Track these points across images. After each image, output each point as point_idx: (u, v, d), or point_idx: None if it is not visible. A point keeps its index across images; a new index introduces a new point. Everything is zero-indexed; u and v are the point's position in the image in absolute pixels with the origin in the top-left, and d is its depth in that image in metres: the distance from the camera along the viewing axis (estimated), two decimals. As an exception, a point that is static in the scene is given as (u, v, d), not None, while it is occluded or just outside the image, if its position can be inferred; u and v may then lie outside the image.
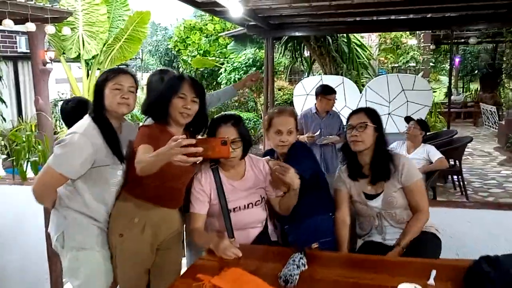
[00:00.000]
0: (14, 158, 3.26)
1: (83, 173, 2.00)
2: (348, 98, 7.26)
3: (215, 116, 2.18)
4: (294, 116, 2.41)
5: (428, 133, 5.00)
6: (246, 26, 6.96)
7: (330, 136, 4.50)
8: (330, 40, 7.79)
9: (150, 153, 1.76)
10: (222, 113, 2.26)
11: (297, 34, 7.15)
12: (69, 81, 9.09)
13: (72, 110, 2.53)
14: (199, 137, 1.86)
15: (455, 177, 6.31)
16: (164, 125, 2.05)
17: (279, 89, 9.82)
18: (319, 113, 4.68)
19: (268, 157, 2.44)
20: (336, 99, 4.69)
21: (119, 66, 2.49)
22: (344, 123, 4.74)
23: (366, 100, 7.20)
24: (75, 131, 2.00)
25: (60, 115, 3.00)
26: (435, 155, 4.42)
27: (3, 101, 7.83)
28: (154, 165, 1.70)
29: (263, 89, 7.73)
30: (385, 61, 12.61)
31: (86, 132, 1.98)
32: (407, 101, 7.11)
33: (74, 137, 1.96)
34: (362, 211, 2.37)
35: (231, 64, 9.57)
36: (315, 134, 4.50)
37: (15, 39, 9.51)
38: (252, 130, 8.90)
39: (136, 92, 2.15)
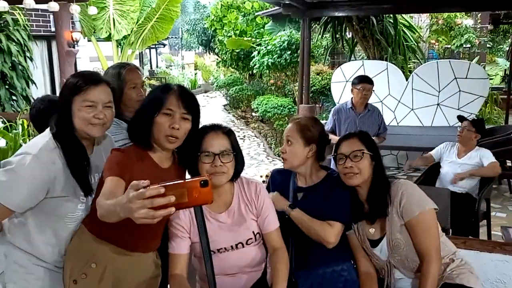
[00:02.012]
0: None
1: (33, 206, 1.58)
2: (392, 86, 6.61)
3: (202, 125, 1.71)
4: (299, 124, 1.92)
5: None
6: (281, 5, 6.44)
7: None
8: (375, 21, 7.05)
9: (113, 195, 1.32)
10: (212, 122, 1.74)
11: (337, 14, 6.49)
12: (99, 59, 8.87)
13: (41, 113, 2.05)
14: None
15: (512, 180, 5.57)
16: (145, 149, 1.60)
17: (317, 74, 9.17)
18: (356, 108, 4.08)
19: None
20: (373, 90, 4.07)
21: (92, 72, 1.90)
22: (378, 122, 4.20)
23: (412, 89, 6.53)
24: (26, 151, 1.57)
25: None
26: (488, 159, 3.72)
27: (33, 82, 7.69)
28: (114, 216, 1.22)
29: (298, 73, 7.15)
30: (436, 44, 11.58)
31: (41, 154, 1.56)
32: (460, 90, 6.36)
33: (24, 160, 1.54)
34: (373, 262, 1.88)
35: (265, 47, 8.97)
36: None
37: (48, 17, 9.35)
38: (286, 118, 8.35)
39: (114, 102, 1.69)
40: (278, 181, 2.01)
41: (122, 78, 2.19)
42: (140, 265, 1.70)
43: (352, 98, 4.08)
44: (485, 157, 3.70)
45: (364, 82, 3.95)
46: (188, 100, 1.57)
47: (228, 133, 1.70)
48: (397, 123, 6.62)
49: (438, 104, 6.47)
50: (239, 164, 1.72)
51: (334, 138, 4.20)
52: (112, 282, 1.63)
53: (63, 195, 1.60)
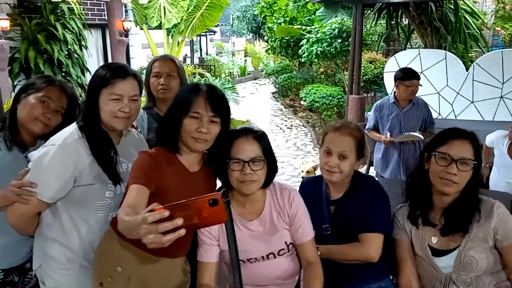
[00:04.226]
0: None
1: (64, 194, 1.59)
2: (450, 77, 6.19)
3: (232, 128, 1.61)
4: (356, 137, 1.74)
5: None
6: (332, -10, 6.19)
7: (412, 133, 3.64)
8: (434, 7, 6.61)
9: (133, 209, 1.26)
10: (244, 125, 1.62)
11: (391, 0, 6.14)
12: (150, 47, 9.01)
13: None
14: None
15: None
16: (174, 152, 1.54)
17: (370, 62, 8.80)
18: (399, 103, 3.82)
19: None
20: (420, 85, 3.78)
21: (121, 64, 1.93)
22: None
23: (473, 80, 6.08)
24: (52, 143, 1.58)
25: None
26: None
27: (88, 70, 7.93)
28: (132, 235, 1.15)
29: (349, 62, 6.87)
30: (502, 31, 10.76)
31: (65, 144, 1.56)
32: (527, 82, 5.84)
33: (49, 151, 1.55)
34: (425, 271, 1.70)
35: (315, 35, 8.69)
36: (392, 139, 3.71)
37: (103, 6, 9.57)
38: (335, 108, 8.10)
39: (141, 95, 1.69)
40: (309, 193, 1.86)
41: (149, 68, 2.26)
42: (167, 271, 1.64)
43: (394, 92, 3.83)
44: None
45: (413, 78, 3.69)
46: (216, 103, 1.50)
47: (260, 137, 1.59)
48: (455, 117, 6.21)
49: (501, 97, 5.98)
50: (272, 170, 1.62)
51: (378, 136, 4.01)
52: (138, 287, 1.58)
53: (90, 183, 1.60)
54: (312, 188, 1.87)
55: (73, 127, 1.64)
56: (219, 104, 1.51)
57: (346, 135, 1.74)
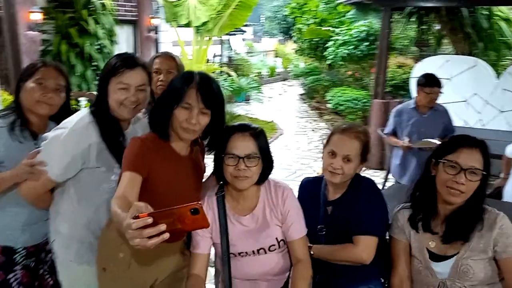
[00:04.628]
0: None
1: (72, 175, 1.68)
2: (479, 85, 6.02)
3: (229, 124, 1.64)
4: (362, 141, 1.74)
5: None
6: (362, -7, 6.10)
7: (431, 140, 3.56)
8: (466, 13, 6.44)
9: (125, 199, 1.33)
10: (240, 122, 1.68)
11: (422, 4, 6.02)
12: (178, 44, 9.13)
13: None
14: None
15: None
16: (164, 138, 1.58)
17: (399, 67, 8.62)
18: (419, 109, 3.75)
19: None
20: (441, 92, 3.70)
21: (131, 55, 1.82)
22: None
23: (502, 89, 5.88)
24: (64, 125, 1.68)
25: None
26: None
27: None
28: (121, 228, 1.21)
29: (375, 66, 6.77)
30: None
31: (76, 127, 1.66)
32: (562, 94, 5.62)
33: (61, 133, 1.66)
34: (419, 275, 1.68)
35: (341, 37, 8.59)
36: (411, 144, 3.65)
37: (135, 2, 9.76)
38: (359, 112, 7.99)
39: (150, 85, 1.77)
40: (308, 193, 1.87)
41: (150, 64, 2.33)
42: (166, 255, 1.70)
43: (416, 97, 3.76)
44: None
45: (433, 85, 3.62)
46: (208, 95, 1.52)
47: (257, 135, 1.61)
48: (483, 126, 6.03)
49: (532, 108, 5.78)
50: (267, 168, 1.63)
51: (395, 141, 3.94)
52: (138, 271, 1.65)
53: (98, 166, 1.69)
54: (311, 188, 1.88)
55: (86, 111, 1.73)
56: (210, 96, 1.53)
57: (352, 138, 1.73)
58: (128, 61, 1.70)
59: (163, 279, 1.73)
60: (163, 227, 1.06)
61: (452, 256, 1.64)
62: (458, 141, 1.66)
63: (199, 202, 1.13)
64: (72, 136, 1.65)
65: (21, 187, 1.74)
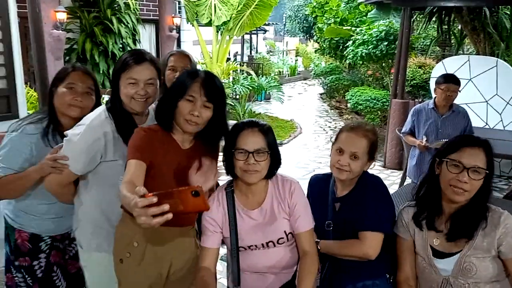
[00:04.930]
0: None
1: (92, 168, 1.79)
2: (501, 86, 5.92)
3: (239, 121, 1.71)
4: (370, 139, 1.78)
5: None
6: (382, -7, 6.09)
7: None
8: (488, 12, 6.34)
9: (132, 184, 1.40)
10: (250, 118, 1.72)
11: (443, 4, 5.95)
12: (199, 43, 9.26)
13: None
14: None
15: None
16: (168, 130, 1.66)
17: (420, 67, 8.56)
18: (438, 109, 3.73)
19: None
20: (459, 91, 3.67)
21: (140, 51, 1.93)
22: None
23: (525, 90, 5.78)
24: (82, 122, 1.78)
25: None
26: None
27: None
28: (129, 209, 1.29)
29: (394, 66, 6.74)
30: None
31: (93, 124, 1.75)
32: None
33: (79, 130, 1.76)
34: (424, 272, 1.71)
35: (361, 36, 8.56)
36: (428, 144, 3.63)
37: (157, 2, 9.92)
38: (378, 112, 7.96)
39: (159, 80, 1.85)
40: (318, 189, 1.92)
41: (165, 62, 2.42)
42: (179, 243, 1.78)
43: (435, 98, 3.75)
44: None
45: (448, 82, 3.59)
46: (211, 89, 1.59)
47: (266, 131, 1.67)
48: (504, 127, 5.94)
49: (554, 109, 5.67)
50: (275, 163, 1.69)
51: (412, 141, 3.93)
52: (153, 261, 1.73)
53: (115, 159, 1.78)
54: (320, 185, 1.93)
55: (101, 109, 1.82)
56: (213, 90, 1.60)
57: (360, 137, 1.77)
58: (136, 57, 1.79)
59: (179, 272, 1.80)
60: (166, 206, 1.13)
61: (455, 254, 1.65)
62: (461, 140, 1.69)
63: (200, 186, 1.20)
64: (89, 132, 1.74)
65: (46, 180, 1.84)
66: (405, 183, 4.84)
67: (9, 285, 2.14)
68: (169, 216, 1.15)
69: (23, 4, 4.15)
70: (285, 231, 1.71)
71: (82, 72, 2.02)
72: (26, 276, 2.06)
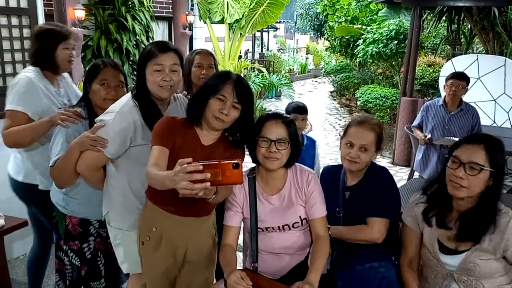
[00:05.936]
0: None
1: (123, 152, 1.92)
2: (509, 85, 5.98)
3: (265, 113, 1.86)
4: (377, 132, 1.93)
5: None
6: (392, -8, 6.17)
7: (454, 138, 3.64)
8: (497, 12, 6.39)
9: (157, 166, 1.55)
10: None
11: (452, 4, 6.02)
12: (211, 40, 9.38)
13: None
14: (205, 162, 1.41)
15: None
16: (194, 125, 1.79)
17: (429, 65, 8.61)
18: (446, 106, 3.83)
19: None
20: (467, 88, 3.77)
21: (164, 41, 2.15)
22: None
23: (533, 89, 5.83)
24: (112, 110, 1.92)
25: None
26: None
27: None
28: (160, 185, 1.47)
29: (403, 65, 6.82)
30: None
31: (122, 111, 1.89)
32: None
33: (110, 117, 1.89)
34: (429, 262, 1.81)
35: (371, 35, 8.63)
36: (430, 137, 3.74)
37: (171, 0, 10.08)
38: (388, 110, 8.04)
39: (182, 68, 1.99)
40: (329, 179, 2.06)
41: (191, 60, 2.60)
42: (195, 231, 1.90)
43: (445, 96, 3.85)
44: None
45: (454, 78, 3.70)
46: (242, 92, 1.72)
47: (288, 123, 1.81)
48: (511, 125, 6.00)
49: (562, 109, 5.72)
50: (294, 153, 1.83)
51: (417, 134, 4.05)
52: (169, 247, 1.87)
53: (143, 143, 1.91)
54: (331, 175, 2.08)
55: (128, 96, 1.96)
56: (243, 93, 1.73)
57: (368, 130, 1.93)
58: (161, 46, 1.92)
59: (195, 256, 1.91)
60: (208, 175, 1.29)
61: (461, 252, 1.70)
62: (465, 138, 1.75)
63: (240, 159, 1.39)
64: (120, 118, 1.87)
65: (80, 160, 1.94)
66: (413, 177, 4.95)
67: (57, 269, 2.33)
68: (208, 184, 1.30)
69: (48, 1, 4.31)
70: (300, 217, 1.86)
71: (112, 67, 2.18)
72: (76, 258, 2.23)
